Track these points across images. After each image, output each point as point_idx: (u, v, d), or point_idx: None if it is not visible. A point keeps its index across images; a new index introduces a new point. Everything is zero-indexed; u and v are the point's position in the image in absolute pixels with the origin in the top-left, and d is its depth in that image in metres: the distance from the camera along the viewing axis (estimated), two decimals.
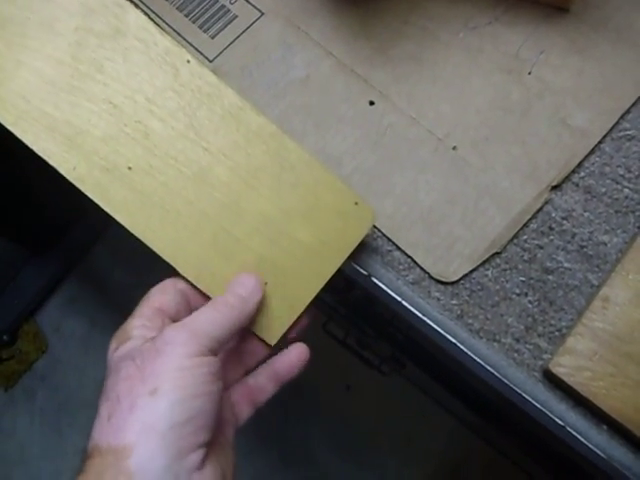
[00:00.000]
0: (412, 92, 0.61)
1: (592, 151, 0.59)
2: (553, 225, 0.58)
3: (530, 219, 0.58)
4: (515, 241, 0.57)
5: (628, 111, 0.60)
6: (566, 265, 0.57)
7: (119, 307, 1.42)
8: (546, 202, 0.58)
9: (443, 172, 0.58)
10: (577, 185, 0.59)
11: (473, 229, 0.57)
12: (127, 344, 0.46)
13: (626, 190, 0.58)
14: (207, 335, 0.45)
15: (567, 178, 0.59)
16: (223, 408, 0.49)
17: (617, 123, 0.60)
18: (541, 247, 0.57)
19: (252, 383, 0.52)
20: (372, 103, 0.61)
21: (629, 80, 0.61)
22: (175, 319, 0.49)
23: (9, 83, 0.54)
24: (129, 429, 0.41)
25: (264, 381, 0.53)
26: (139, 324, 0.47)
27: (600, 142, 0.59)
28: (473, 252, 0.57)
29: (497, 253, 0.57)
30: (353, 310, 0.77)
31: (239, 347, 0.53)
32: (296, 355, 0.53)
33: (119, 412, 0.42)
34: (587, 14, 0.63)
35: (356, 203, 0.54)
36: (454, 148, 0.59)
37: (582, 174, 0.59)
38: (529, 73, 0.61)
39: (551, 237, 0.57)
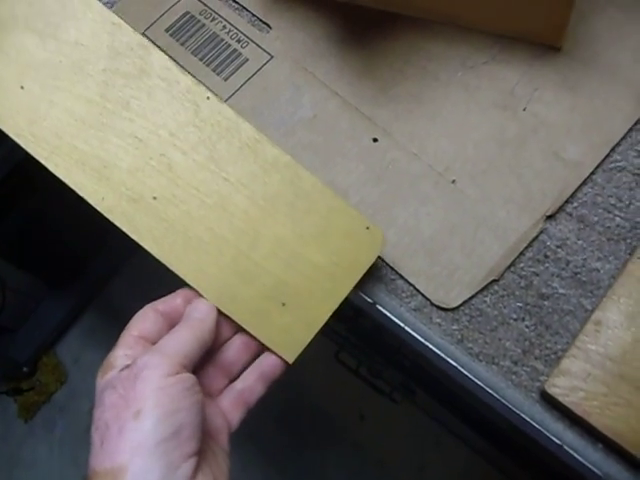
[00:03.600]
0: (413, 129, 0.66)
1: (584, 182, 0.64)
2: (548, 253, 0.62)
3: (526, 247, 0.62)
4: (512, 269, 0.62)
5: (618, 144, 0.65)
6: (561, 291, 0.61)
7: None
8: (541, 231, 0.62)
9: (443, 204, 0.63)
10: (571, 215, 0.63)
11: (472, 258, 0.62)
12: (109, 374, 0.50)
13: (617, 219, 0.63)
14: (177, 354, 0.50)
15: (561, 208, 0.63)
16: (213, 417, 0.54)
17: (608, 155, 0.64)
18: (537, 274, 0.62)
19: (240, 387, 0.56)
20: (376, 140, 0.66)
21: (619, 115, 0.65)
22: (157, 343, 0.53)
23: (42, 122, 0.60)
24: (121, 451, 0.45)
25: (252, 383, 0.57)
26: (121, 353, 0.52)
27: (592, 173, 0.64)
28: (472, 279, 0.61)
29: (495, 280, 0.61)
30: (363, 339, 0.82)
31: (220, 359, 0.57)
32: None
33: (109, 437, 0.46)
34: (578, 52, 0.68)
35: (367, 227, 0.59)
36: (453, 181, 0.64)
37: (575, 204, 0.63)
38: (524, 109, 0.66)
39: (546, 264, 0.62)
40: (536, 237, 0.62)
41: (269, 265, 0.58)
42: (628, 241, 0.62)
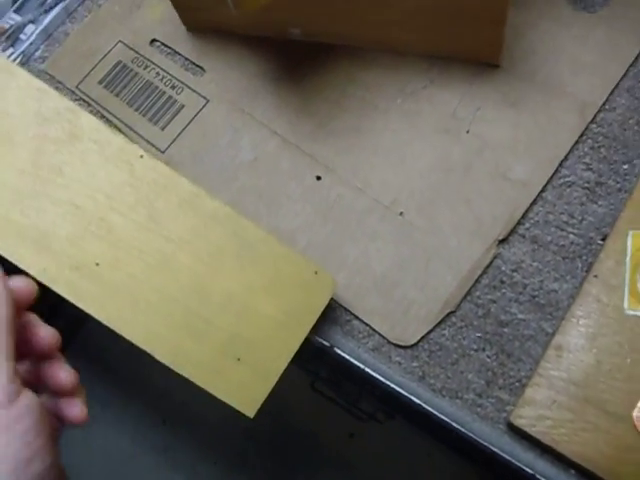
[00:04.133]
0: (356, 163, 0.65)
1: (535, 201, 0.63)
2: (504, 278, 0.61)
3: (481, 275, 0.61)
4: (468, 298, 0.61)
5: (565, 158, 0.64)
6: (520, 316, 0.60)
7: (117, 378, 1.45)
8: (495, 257, 0.61)
9: (392, 239, 0.62)
10: (523, 236, 0.62)
11: (426, 291, 0.61)
12: None
13: (571, 236, 0.62)
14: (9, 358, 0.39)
15: (513, 230, 0.62)
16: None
17: (556, 171, 0.63)
18: (494, 301, 0.61)
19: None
20: (319, 178, 0.65)
21: (563, 128, 0.64)
22: None
23: None
24: None
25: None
26: None
27: (542, 191, 0.63)
28: (428, 313, 0.60)
29: (452, 312, 0.60)
30: (332, 372, 0.81)
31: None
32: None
33: None
34: (516, 68, 0.67)
35: (316, 272, 0.58)
36: (401, 214, 0.63)
37: (527, 225, 0.62)
38: (467, 131, 0.65)
39: (503, 290, 0.61)
40: (490, 263, 0.61)
41: (220, 320, 0.57)
42: (584, 258, 0.61)
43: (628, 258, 0.59)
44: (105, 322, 0.56)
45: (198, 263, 0.58)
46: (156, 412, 1.41)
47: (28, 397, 0.40)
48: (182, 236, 0.58)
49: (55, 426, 0.43)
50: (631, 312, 0.58)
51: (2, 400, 0.38)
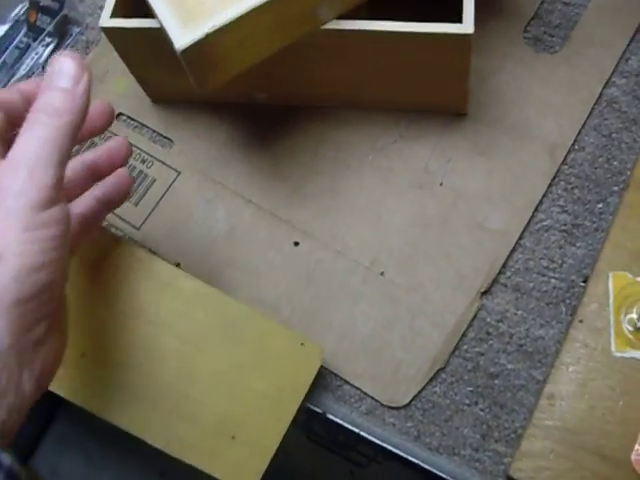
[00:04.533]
0: (333, 225, 0.65)
1: (514, 249, 0.63)
2: (490, 330, 0.61)
3: (467, 328, 0.61)
4: (456, 353, 0.61)
5: (540, 202, 0.64)
6: (509, 366, 0.60)
7: (112, 436, 1.44)
8: (479, 309, 0.62)
9: (375, 299, 0.62)
10: (505, 285, 0.63)
11: (414, 350, 0.61)
12: None
13: (553, 281, 0.62)
14: (47, 174, 0.39)
15: (495, 281, 0.62)
16: None
17: (532, 217, 0.64)
18: (482, 354, 0.61)
19: (85, 212, 0.52)
20: (297, 244, 0.65)
21: (535, 172, 0.65)
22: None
23: None
24: None
25: (95, 206, 0.53)
26: None
27: (520, 238, 0.63)
28: (418, 372, 0.60)
29: (441, 368, 0.60)
30: (326, 430, 0.81)
31: (89, 156, 0.53)
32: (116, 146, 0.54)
33: None
34: (484, 114, 0.67)
35: (302, 343, 0.58)
36: (382, 273, 0.63)
37: (508, 274, 0.63)
38: (440, 184, 0.65)
39: (490, 342, 0.61)
40: (475, 316, 0.62)
41: (211, 401, 0.57)
42: (567, 302, 0.61)
43: (611, 300, 0.60)
44: (95, 412, 0.56)
45: (184, 345, 0.57)
46: (154, 466, 1.40)
47: (63, 209, 0.40)
48: (165, 320, 0.58)
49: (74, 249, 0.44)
50: (619, 354, 0.58)
51: (40, 202, 0.39)
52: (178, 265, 0.64)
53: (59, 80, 0.42)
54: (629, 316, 0.59)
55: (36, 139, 0.40)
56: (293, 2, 0.54)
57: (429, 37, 0.56)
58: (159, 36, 0.55)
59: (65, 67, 0.42)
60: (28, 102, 0.43)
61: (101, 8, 0.62)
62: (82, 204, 0.54)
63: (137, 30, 0.60)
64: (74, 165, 0.53)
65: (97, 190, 0.55)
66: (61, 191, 0.40)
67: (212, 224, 0.67)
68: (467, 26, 0.55)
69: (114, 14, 0.61)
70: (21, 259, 0.38)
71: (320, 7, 0.55)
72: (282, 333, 0.58)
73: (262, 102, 0.69)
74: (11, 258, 0.38)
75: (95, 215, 0.55)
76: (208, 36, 0.52)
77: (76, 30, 0.79)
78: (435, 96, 0.65)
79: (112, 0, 0.61)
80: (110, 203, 0.56)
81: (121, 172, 0.56)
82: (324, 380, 0.61)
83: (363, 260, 0.64)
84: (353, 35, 0.57)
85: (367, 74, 0.63)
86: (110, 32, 0.62)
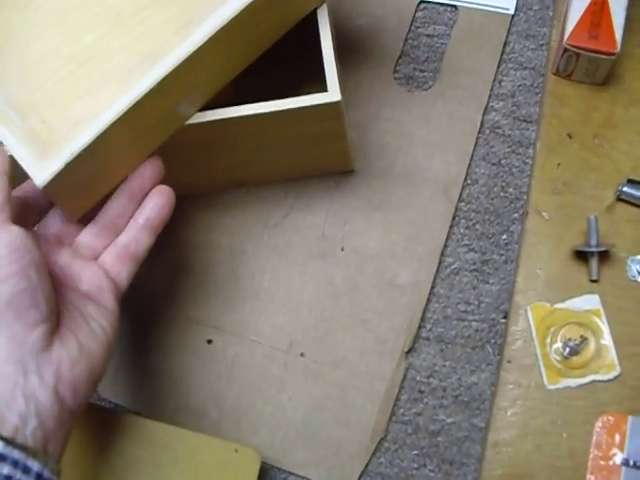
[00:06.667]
0: (243, 316, 0.64)
1: (429, 300, 0.63)
2: (422, 388, 0.61)
3: (399, 392, 0.61)
4: (394, 419, 0.61)
5: (445, 245, 0.64)
6: (449, 420, 0.60)
7: None
8: (407, 369, 0.61)
9: (300, 383, 0.62)
10: (428, 339, 0.62)
11: (351, 426, 0.60)
12: None
13: (474, 323, 0.62)
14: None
15: (416, 337, 0.62)
16: (90, 277, 0.50)
17: (440, 262, 0.64)
18: (419, 414, 0.61)
19: (125, 240, 0.53)
20: (210, 341, 0.64)
21: (434, 216, 0.65)
22: None
23: None
24: None
25: (137, 233, 0.54)
26: None
27: (432, 287, 0.63)
28: (360, 448, 0.60)
29: (382, 438, 0.60)
30: None
31: (103, 215, 0.54)
32: (149, 172, 0.55)
33: None
34: (372, 167, 0.67)
35: (236, 450, 0.57)
36: (302, 354, 0.62)
37: (428, 326, 0.63)
38: (342, 249, 0.65)
39: (425, 400, 0.61)
40: (404, 377, 0.61)
41: None
42: (492, 341, 0.62)
43: (534, 334, 0.60)
44: None
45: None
46: None
47: (11, 231, 0.44)
48: (98, 453, 0.57)
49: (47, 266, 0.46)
50: (553, 387, 0.59)
51: None
52: None
53: None
54: (555, 346, 0.60)
55: None
56: (148, 110, 0.52)
57: (298, 111, 0.56)
58: None
59: None
60: None
61: None
62: (124, 236, 0.54)
63: None
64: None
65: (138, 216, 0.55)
66: (5, 215, 0.44)
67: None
68: (333, 94, 0.55)
69: None
70: None
71: (179, 106, 0.54)
72: (214, 444, 0.57)
73: None
74: None
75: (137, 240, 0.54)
76: (68, 165, 0.50)
77: None
78: (319, 160, 0.65)
79: None
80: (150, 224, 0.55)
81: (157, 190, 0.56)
82: (268, 475, 0.60)
83: (280, 345, 0.63)
84: (221, 124, 0.56)
85: (248, 154, 0.62)
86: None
